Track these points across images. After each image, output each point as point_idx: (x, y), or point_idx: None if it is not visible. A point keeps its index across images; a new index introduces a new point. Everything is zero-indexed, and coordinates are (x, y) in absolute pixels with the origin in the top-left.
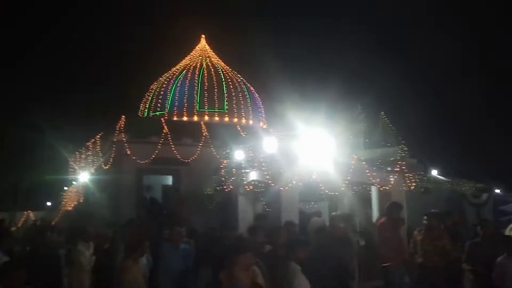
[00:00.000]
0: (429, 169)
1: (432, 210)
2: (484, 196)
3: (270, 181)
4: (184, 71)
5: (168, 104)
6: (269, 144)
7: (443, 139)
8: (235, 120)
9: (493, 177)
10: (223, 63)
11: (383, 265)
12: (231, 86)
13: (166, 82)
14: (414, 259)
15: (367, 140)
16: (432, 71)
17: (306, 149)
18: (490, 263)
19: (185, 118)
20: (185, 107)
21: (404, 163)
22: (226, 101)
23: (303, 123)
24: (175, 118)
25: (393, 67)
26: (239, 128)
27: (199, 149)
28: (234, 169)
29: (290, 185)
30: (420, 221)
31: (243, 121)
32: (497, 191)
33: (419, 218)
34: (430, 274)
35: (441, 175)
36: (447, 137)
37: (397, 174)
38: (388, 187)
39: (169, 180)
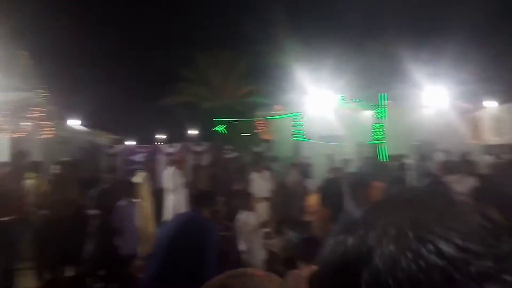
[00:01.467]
0: (67, 118)
1: (63, 159)
2: (117, 147)
3: None
4: None
5: None
6: None
7: (87, 88)
8: None
9: (126, 130)
10: None
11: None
12: None
13: None
14: (38, 211)
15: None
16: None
17: None
18: (113, 206)
19: None
20: None
21: (41, 109)
22: None
23: None
24: None
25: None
26: None
27: None
28: None
29: None
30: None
31: None
32: (129, 142)
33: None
34: (56, 225)
35: (80, 125)
36: (91, 87)
37: (32, 120)
38: (21, 134)
39: None
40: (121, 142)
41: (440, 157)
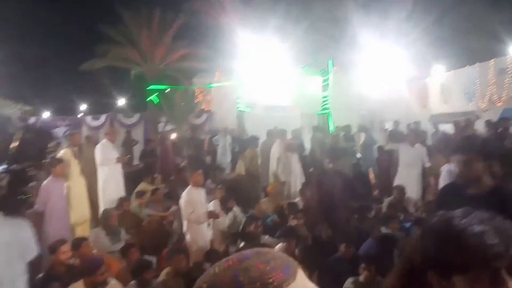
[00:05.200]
0: None
1: None
2: (32, 119)
3: None
4: None
5: None
6: None
7: None
8: None
9: (43, 100)
10: None
11: None
12: None
13: None
14: None
15: None
16: None
17: None
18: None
19: None
20: None
21: None
22: None
23: None
24: None
25: None
26: None
27: None
28: None
29: None
30: None
31: None
32: (46, 114)
33: None
34: None
35: None
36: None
37: None
38: None
39: None
40: (35, 113)
41: (388, 126)
